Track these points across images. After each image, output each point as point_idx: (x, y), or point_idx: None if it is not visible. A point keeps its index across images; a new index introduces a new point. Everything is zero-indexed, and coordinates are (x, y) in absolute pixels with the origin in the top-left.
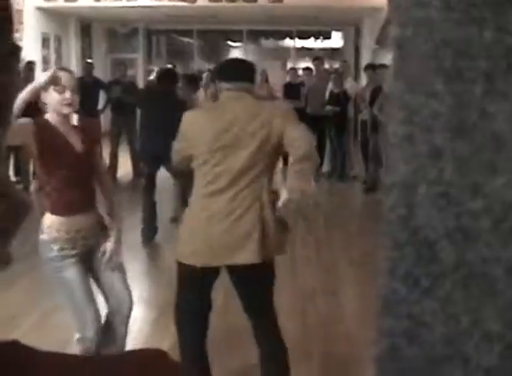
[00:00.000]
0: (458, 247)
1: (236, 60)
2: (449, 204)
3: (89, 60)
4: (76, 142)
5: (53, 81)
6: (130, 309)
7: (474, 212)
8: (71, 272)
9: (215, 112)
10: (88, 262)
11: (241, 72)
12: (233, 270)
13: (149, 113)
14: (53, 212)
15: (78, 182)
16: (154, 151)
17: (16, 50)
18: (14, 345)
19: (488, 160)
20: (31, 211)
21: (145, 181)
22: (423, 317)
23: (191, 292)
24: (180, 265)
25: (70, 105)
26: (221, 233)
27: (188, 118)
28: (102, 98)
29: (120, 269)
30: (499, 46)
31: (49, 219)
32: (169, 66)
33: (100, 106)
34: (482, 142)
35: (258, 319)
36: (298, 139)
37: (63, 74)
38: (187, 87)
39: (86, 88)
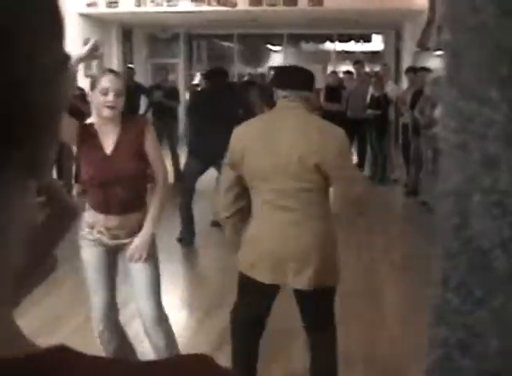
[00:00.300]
0: None
1: (294, 67)
2: (504, 214)
3: (130, 65)
4: (108, 145)
5: (92, 55)
6: (148, 317)
7: None
8: (88, 254)
9: (266, 127)
10: (118, 257)
11: (299, 79)
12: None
13: (208, 113)
14: (89, 205)
15: (105, 183)
16: (215, 150)
17: (66, 59)
18: (61, 350)
19: None
20: (78, 216)
21: (187, 184)
22: (477, 328)
23: (251, 302)
24: (241, 274)
25: (111, 107)
26: (280, 252)
27: (237, 134)
28: (143, 102)
29: (150, 274)
30: None
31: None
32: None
33: (141, 110)
34: None
35: (314, 334)
36: (352, 180)
37: (108, 76)
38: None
39: (127, 93)
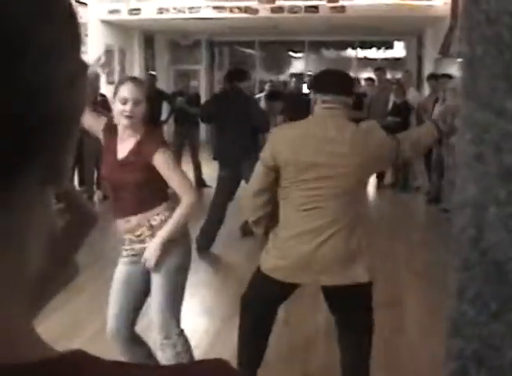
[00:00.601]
0: None
1: (334, 71)
2: None
3: (152, 72)
4: (122, 151)
5: (98, 63)
6: (156, 330)
7: None
8: (118, 269)
9: (306, 128)
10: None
11: (339, 84)
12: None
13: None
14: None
15: (117, 188)
16: (236, 154)
17: (83, 68)
18: (77, 354)
19: None
20: (97, 222)
21: (222, 193)
22: (493, 341)
23: (265, 299)
24: (261, 272)
25: (129, 117)
26: (309, 252)
27: (277, 136)
28: (165, 109)
29: (160, 286)
30: None
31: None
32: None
33: (163, 117)
34: None
35: (344, 332)
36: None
37: (127, 85)
38: None
39: (149, 100)
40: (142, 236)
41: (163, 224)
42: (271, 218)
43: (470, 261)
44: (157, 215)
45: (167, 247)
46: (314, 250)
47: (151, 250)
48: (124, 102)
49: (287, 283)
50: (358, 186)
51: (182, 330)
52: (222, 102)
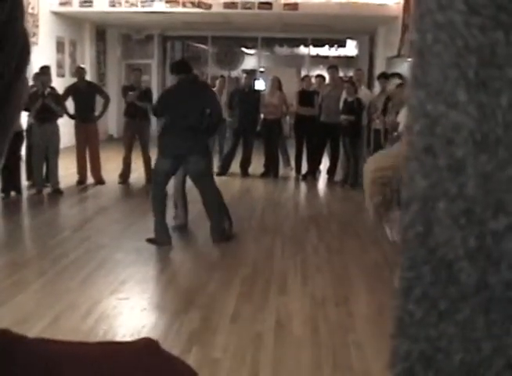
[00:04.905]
0: (479, 269)
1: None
2: (470, 222)
3: (82, 65)
4: None
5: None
6: None
7: (497, 232)
8: None
9: None
10: None
11: None
12: None
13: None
14: None
15: None
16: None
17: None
18: (4, 333)
19: None
20: None
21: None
22: (441, 342)
23: None
24: None
25: None
26: None
27: None
28: (99, 103)
29: None
30: None
31: None
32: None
33: (97, 111)
34: (507, 157)
35: None
36: None
37: None
38: None
39: (80, 94)
40: None
41: None
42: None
43: (418, 259)
44: None
45: None
46: None
47: None
48: None
49: None
50: None
51: None
52: (178, 93)
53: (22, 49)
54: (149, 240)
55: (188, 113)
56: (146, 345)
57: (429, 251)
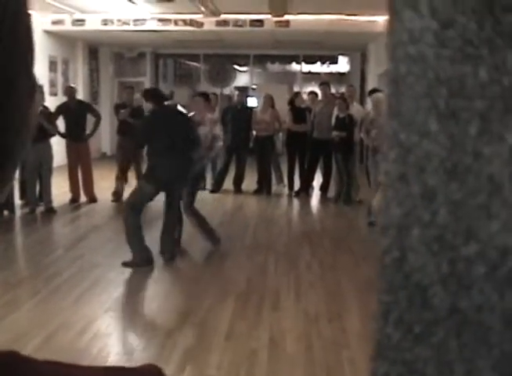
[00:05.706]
0: (451, 294)
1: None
2: (443, 249)
3: (72, 85)
4: None
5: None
6: None
7: (468, 258)
8: None
9: None
10: None
11: None
12: None
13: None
14: None
15: None
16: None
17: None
18: (10, 354)
19: (483, 204)
20: None
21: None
22: (417, 365)
23: None
24: None
25: None
26: None
27: None
28: (90, 121)
29: None
30: (495, 86)
31: None
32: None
33: (88, 130)
34: (477, 185)
35: None
36: None
37: None
38: None
39: (71, 113)
40: None
41: None
42: None
43: (394, 284)
44: None
45: None
46: None
47: None
48: None
49: None
50: None
51: None
52: (159, 123)
53: (27, 46)
54: (126, 264)
55: (173, 141)
56: (150, 372)
57: (405, 276)
